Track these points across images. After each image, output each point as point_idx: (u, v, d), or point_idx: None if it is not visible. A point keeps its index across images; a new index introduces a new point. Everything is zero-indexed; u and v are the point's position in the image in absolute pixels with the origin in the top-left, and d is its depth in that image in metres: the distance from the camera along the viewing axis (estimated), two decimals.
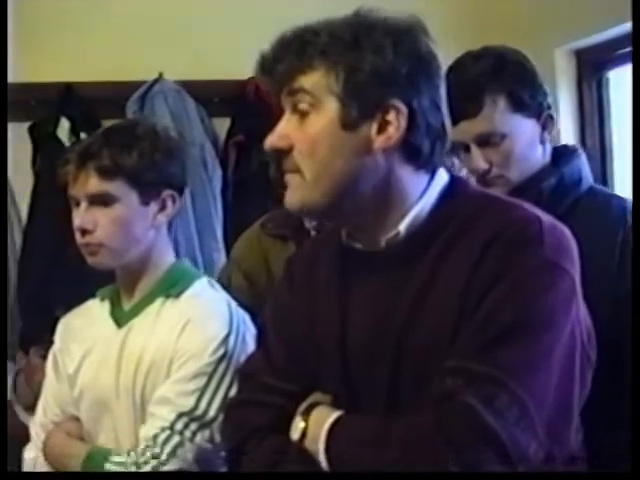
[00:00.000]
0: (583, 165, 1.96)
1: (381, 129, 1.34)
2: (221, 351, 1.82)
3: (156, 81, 3.53)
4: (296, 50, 1.34)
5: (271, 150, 1.38)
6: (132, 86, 3.49)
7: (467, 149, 1.93)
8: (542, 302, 1.27)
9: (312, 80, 1.34)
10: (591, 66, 3.40)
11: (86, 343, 1.97)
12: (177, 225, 3.48)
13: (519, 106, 1.88)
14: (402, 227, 1.38)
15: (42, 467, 1.92)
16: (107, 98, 3.44)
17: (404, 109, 1.34)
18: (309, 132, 1.35)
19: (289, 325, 1.49)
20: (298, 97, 1.36)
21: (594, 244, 1.70)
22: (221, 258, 3.48)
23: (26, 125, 3.46)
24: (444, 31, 3.43)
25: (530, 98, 1.89)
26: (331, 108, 1.34)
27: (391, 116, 1.33)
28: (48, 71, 3.45)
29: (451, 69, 1.93)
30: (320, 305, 1.45)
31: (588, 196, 1.91)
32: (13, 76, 3.38)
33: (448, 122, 1.40)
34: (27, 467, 1.97)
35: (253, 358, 1.57)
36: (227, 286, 2.21)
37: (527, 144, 1.90)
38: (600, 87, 3.44)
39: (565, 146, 2.03)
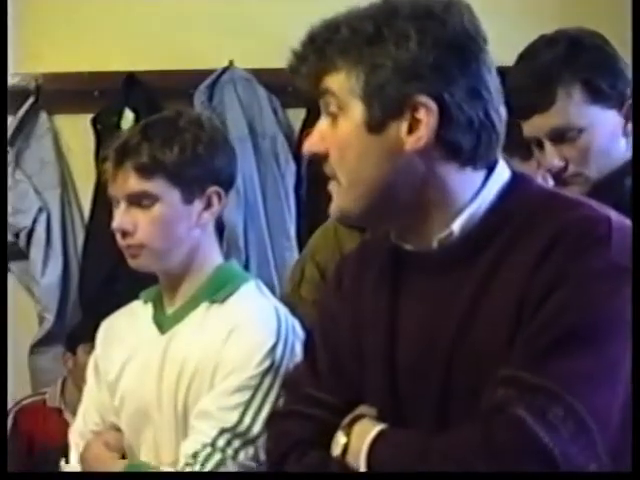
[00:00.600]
0: None
1: (412, 128, 1.33)
2: (267, 362, 1.81)
3: (226, 69, 3.58)
4: (317, 49, 1.35)
5: (309, 155, 1.39)
6: (200, 75, 3.54)
7: (541, 145, 1.89)
8: (607, 309, 1.25)
9: (337, 81, 1.35)
10: None
11: (128, 348, 1.99)
12: (247, 223, 3.56)
13: (597, 96, 1.83)
14: (455, 226, 1.37)
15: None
16: (173, 88, 3.50)
17: (433, 105, 1.32)
18: (339, 136, 1.36)
19: (334, 332, 1.50)
20: (326, 99, 1.37)
21: None
22: (294, 257, 3.49)
23: (89, 117, 3.55)
24: (524, 10, 3.40)
25: (610, 87, 1.84)
26: (356, 111, 1.34)
27: (421, 114, 1.32)
28: (112, 60, 3.52)
29: (522, 56, 1.90)
30: (367, 311, 1.46)
31: None
32: (75, 66, 3.49)
33: (499, 109, 1.38)
34: None
35: (298, 367, 1.59)
36: (300, 278, 2.26)
37: (607, 138, 1.86)
38: None
39: None
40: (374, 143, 1.34)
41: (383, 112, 1.33)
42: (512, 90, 1.89)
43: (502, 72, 1.83)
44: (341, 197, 1.37)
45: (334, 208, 1.40)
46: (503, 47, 2.12)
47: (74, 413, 2.53)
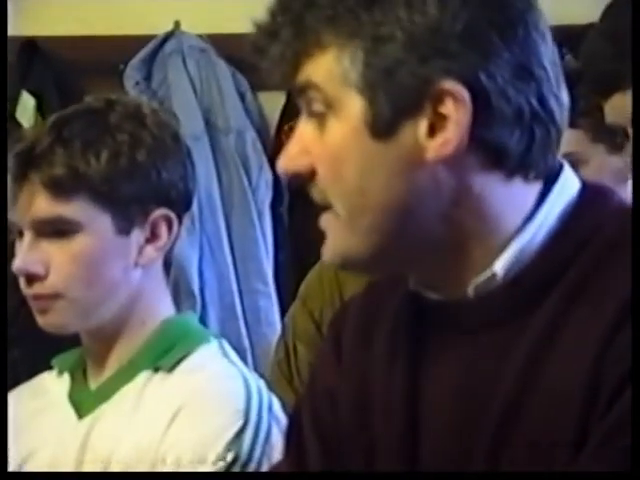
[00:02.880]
0: None
1: (434, 129, 1.31)
2: (230, 456, 1.83)
3: (170, 35, 3.62)
4: (294, 19, 1.32)
5: (287, 176, 1.38)
6: (133, 43, 3.59)
7: (627, 136, 1.95)
8: None
9: (323, 66, 1.32)
10: None
11: (31, 440, 2.00)
12: (203, 259, 3.59)
13: None
14: (499, 267, 1.35)
15: None
16: (94, 62, 3.54)
17: (464, 93, 1.30)
18: (329, 146, 1.33)
19: (332, 418, 1.50)
20: (309, 95, 1.35)
21: None
22: (272, 306, 3.59)
23: None
24: None
25: None
26: (353, 108, 1.32)
27: (447, 107, 1.30)
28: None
29: (608, 9, 1.95)
30: (378, 385, 1.46)
31: None
32: None
33: (559, 93, 1.38)
34: None
35: (279, 467, 1.59)
36: (293, 331, 2.34)
37: None
38: None
39: None
40: (381, 153, 1.32)
41: (393, 108, 1.31)
42: (588, 57, 1.95)
43: (573, 34, 1.87)
44: (341, 235, 1.36)
45: (332, 252, 1.38)
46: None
47: None
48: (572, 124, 2.14)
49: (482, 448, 1.34)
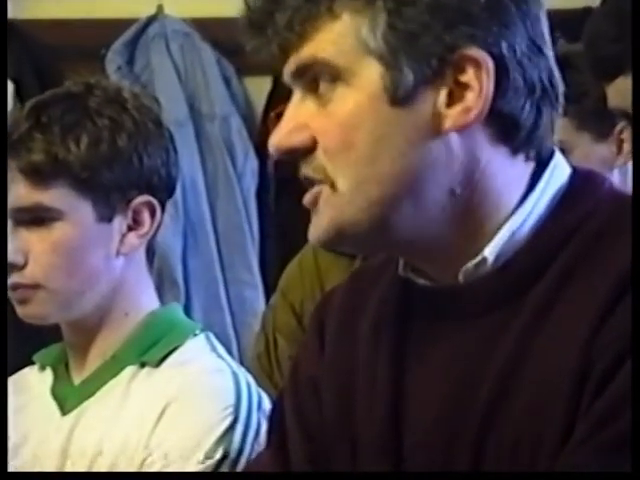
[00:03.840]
0: None
1: (454, 97, 1.32)
2: (219, 453, 1.83)
3: (153, 19, 3.63)
4: None
5: (282, 151, 1.36)
6: (115, 26, 3.59)
7: (630, 120, 1.94)
8: None
9: (333, 40, 1.32)
10: None
11: (13, 437, 1.99)
12: (187, 247, 3.58)
13: None
14: (488, 252, 1.36)
15: None
16: (74, 45, 3.53)
17: (489, 61, 1.31)
18: (339, 116, 1.32)
19: (315, 408, 1.50)
20: (312, 72, 1.34)
21: None
22: (258, 297, 3.60)
23: None
24: None
25: None
26: (370, 75, 1.31)
27: (469, 75, 1.31)
28: None
29: None
30: (362, 375, 1.46)
31: None
32: None
33: (557, 74, 1.39)
34: None
35: (260, 461, 1.59)
36: (274, 323, 2.32)
37: None
38: None
39: None
40: (399, 120, 1.32)
41: (415, 74, 1.31)
42: (590, 40, 1.95)
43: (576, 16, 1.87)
44: (337, 207, 1.34)
45: (324, 226, 1.36)
46: None
47: None
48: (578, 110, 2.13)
49: (468, 437, 1.34)
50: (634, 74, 1.84)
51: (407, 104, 1.31)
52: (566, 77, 1.99)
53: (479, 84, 1.31)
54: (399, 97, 1.31)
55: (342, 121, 1.32)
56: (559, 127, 2.20)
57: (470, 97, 1.31)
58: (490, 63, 1.31)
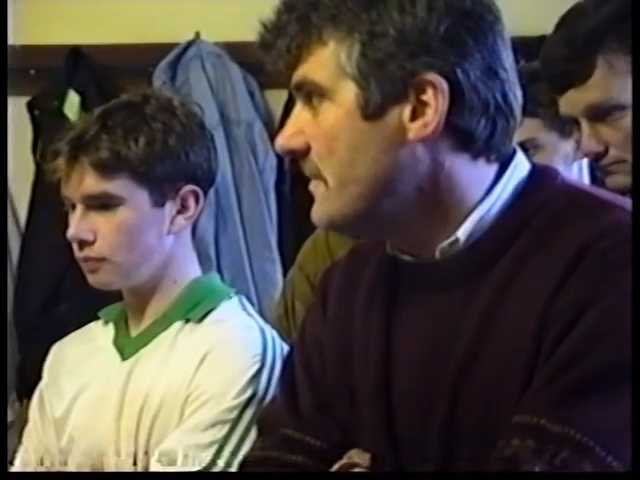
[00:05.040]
0: None
1: (416, 114, 1.30)
2: (249, 392, 1.82)
3: (191, 43, 3.60)
4: (300, 17, 1.31)
5: (284, 151, 1.37)
6: (160, 50, 3.56)
7: (579, 125, 1.91)
8: None
9: (321, 63, 1.32)
10: None
11: (81, 378, 2.00)
12: (219, 229, 3.57)
13: None
14: (461, 233, 1.35)
15: None
16: (128, 65, 3.52)
17: (444, 84, 1.30)
18: (324, 126, 1.32)
19: (319, 362, 1.49)
20: (305, 88, 1.34)
21: None
22: (276, 270, 3.56)
23: (24, 100, 3.55)
24: None
25: None
26: (347, 94, 1.31)
27: (428, 95, 1.30)
28: (52, 31, 3.54)
29: (563, 19, 1.90)
30: (358, 335, 1.45)
31: None
32: (10, 38, 3.48)
33: (515, 91, 1.37)
34: None
35: (275, 403, 1.58)
36: (292, 291, 2.31)
37: None
38: None
39: None
40: (371, 132, 1.31)
41: (383, 94, 1.30)
42: (545, 59, 1.92)
43: (526, 43, 1.87)
44: (329, 200, 1.34)
45: (320, 214, 1.36)
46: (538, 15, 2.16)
47: None
48: (533, 114, 2.10)
49: (445, 387, 1.33)
50: (634, 75, 1.82)
51: (377, 119, 1.31)
52: (538, 88, 1.98)
53: (436, 103, 1.30)
54: (370, 113, 1.31)
55: (326, 131, 1.33)
56: (534, 127, 2.20)
57: (429, 113, 1.30)
58: (445, 86, 1.30)
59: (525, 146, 2.12)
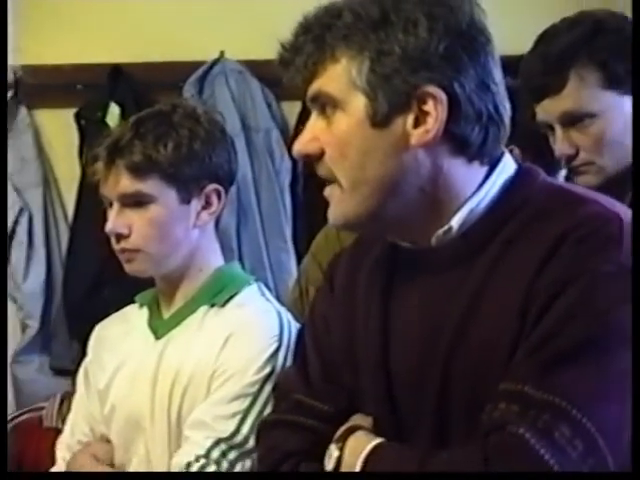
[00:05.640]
0: None
1: (418, 122, 1.31)
2: (268, 369, 1.81)
3: (217, 61, 3.59)
4: (316, 37, 1.31)
5: (301, 156, 1.37)
6: (189, 67, 3.54)
7: (553, 130, 1.91)
8: (616, 316, 1.21)
9: (334, 75, 1.32)
10: None
11: (121, 354, 2.00)
12: (240, 223, 3.56)
13: (613, 81, 1.83)
14: (454, 222, 1.36)
15: None
16: (161, 80, 3.51)
17: (443, 96, 1.30)
18: (337, 133, 1.33)
19: (326, 336, 1.50)
20: (321, 100, 1.34)
21: None
22: (290, 259, 3.54)
23: (72, 111, 3.54)
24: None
25: (627, 72, 1.82)
26: (357, 105, 1.31)
27: (429, 106, 1.30)
28: (96, 52, 3.52)
29: (540, 38, 1.91)
30: (360, 313, 1.45)
31: None
32: (56, 58, 3.48)
33: (505, 104, 1.37)
34: None
35: (288, 372, 1.59)
36: (306, 277, 2.30)
37: (622, 125, 1.84)
38: None
39: None
40: (378, 138, 1.32)
41: (389, 104, 1.31)
42: (524, 73, 1.91)
43: (509, 62, 1.88)
44: (343, 202, 1.34)
45: (336, 215, 1.36)
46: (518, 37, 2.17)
47: None
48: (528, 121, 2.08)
49: (438, 358, 1.33)
50: (633, 77, 1.82)
51: (384, 126, 1.32)
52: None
53: (436, 112, 1.31)
54: (378, 121, 1.32)
55: (339, 138, 1.33)
56: None
57: (430, 121, 1.31)
58: (444, 97, 1.31)
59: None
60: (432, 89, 1.31)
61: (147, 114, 1.99)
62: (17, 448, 3.09)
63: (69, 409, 2.59)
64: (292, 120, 3.67)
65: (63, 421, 2.95)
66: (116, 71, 3.55)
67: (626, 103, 1.85)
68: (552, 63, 1.84)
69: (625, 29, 1.87)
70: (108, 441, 1.99)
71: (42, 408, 3.19)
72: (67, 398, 3.02)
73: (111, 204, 1.94)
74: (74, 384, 2.25)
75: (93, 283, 3.42)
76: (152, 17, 3.61)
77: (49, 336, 3.52)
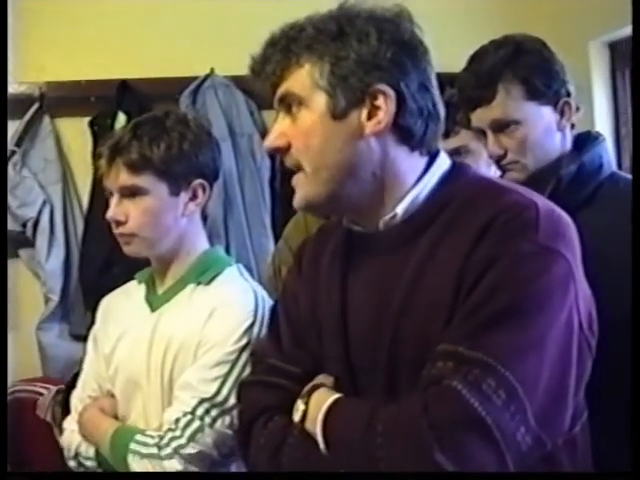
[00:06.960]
0: (604, 152, 1.87)
1: (371, 115, 1.30)
2: (245, 340, 1.76)
3: (208, 76, 3.50)
4: (283, 48, 1.31)
5: (271, 150, 1.35)
6: (185, 81, 3.46)
7: (485, 135, 1.88)
8: (534, 287, 1.20)
9: (299, 79, 1.30)
10: (624, 58, 3.26)
11: (123, 324, 1.94)
12: (227, 213, 3.48)
13: (533, 94, 1.81)
14: (399, 209, 1.34)
15: (78, 438, 1.89)
16: (161, 93, 3.41)
17: (391, 93, 1.30)
18: (302, 127, 1.31)
19: (295, 309, 1.47)
20: (287, 100, 1.32)
21: (615, 230, 1.63)
22: (269, 243, 3.46)
23: (87, 120, 3.46)
24: (476, 20, 3.36)
25: (545, 86, 1.81)
26: (320, 102, 1.30)
27: (380, 101, 1.30)
28: (107, 69, 3.43)
29: (473, 57, 1.89)
30: (322, 288, 1.42)
31: (610, 183, 1.81)
32: (74, 75, 3.41)
33: (440, 104, 1.36)
34: (66, 437, 1.93)
35: (263, 340, 1.56)
36: (279, 258, 2.25)
37: (543, 131, 1.83)
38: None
39: (588, 132, 1.93)
40: (337, 129, 1.30)
41: (346, 100, 1.30)
42: (461, 86, 1.90)
43: (450, 77, 1.83)
44: (306, 185, 1.32)
45: (300, 198, 1.34)
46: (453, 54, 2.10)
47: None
48: (466, 126, 2.04)
49: (387, 327, 1.30)
50: (633, 79, 1.79)
51: (342, 119, 1.30)
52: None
53: (386, 106, 1.29)
54: (337, 115, 1.30)
55: (304, 131, 1.31)
56: (467, 137, 2.12)
57: (381, 114, 1.30)
58: (392, 94, 1.30)
59: (460, 150, 2.10)
60: (382, 87, 1.30)
61: (144, 119, 1.93)
62: (14, 417, 2.86)
63: (63, 400, 2.54)
64: (271, 126, 3.56)
65: (53, 415, 2.84)
66: (123, 85, 3.46)
67: (545, 112, 1.83)
68: (483, 78, 1.82)
69: (542, 50, 1.86)
70: (113, 396, 1.94)
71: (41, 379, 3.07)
72: (61, 391, 2.81)
73: (112, 194, 1.89)
74: None
75: (104, 263, 3.34)
76: (153, 40, 3.52)
77: (67, 308, 3.45)
